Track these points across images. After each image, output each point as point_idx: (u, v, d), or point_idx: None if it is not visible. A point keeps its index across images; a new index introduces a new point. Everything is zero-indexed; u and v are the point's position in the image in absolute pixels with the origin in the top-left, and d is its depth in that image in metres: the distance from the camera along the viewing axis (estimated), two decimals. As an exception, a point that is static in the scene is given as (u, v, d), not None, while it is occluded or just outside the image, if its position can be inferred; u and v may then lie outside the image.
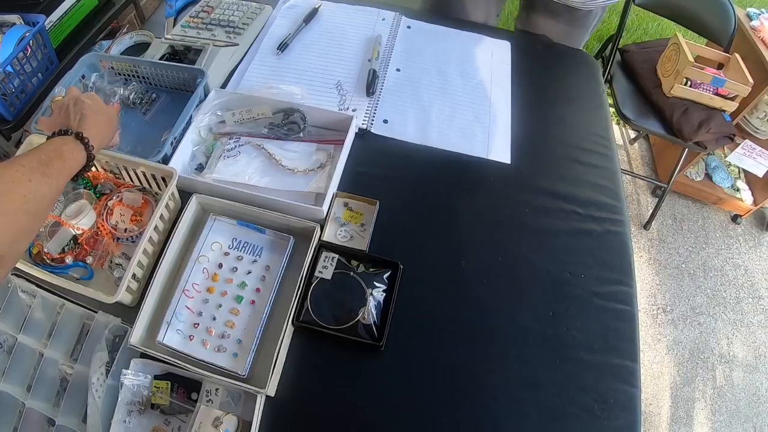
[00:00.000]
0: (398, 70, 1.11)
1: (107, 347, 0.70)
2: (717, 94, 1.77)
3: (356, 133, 0.94)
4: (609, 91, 2.00)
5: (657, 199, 2.18)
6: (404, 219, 0.85)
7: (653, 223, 2.21)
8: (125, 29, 1.26)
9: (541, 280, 0.81)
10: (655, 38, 2.43)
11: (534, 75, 1.16)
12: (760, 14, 2.00)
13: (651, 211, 2.20)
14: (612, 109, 1.98)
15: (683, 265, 2.13)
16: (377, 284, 0.73)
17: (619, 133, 2.61)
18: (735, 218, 2.32)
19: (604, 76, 1.98)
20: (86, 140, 0.69)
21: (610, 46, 2.05)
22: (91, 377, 0.66)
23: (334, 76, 1.06)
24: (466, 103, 1.06)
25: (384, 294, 0.73)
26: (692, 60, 1.72)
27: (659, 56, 1.94)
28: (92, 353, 0.68)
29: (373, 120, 0.99)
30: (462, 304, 0.77)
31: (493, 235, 0.86)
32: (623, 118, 1.87)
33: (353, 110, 0.99)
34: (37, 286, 0.75)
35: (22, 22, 1.13)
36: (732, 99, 1.76)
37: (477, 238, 0.85)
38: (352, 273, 0.74)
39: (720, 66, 1.87)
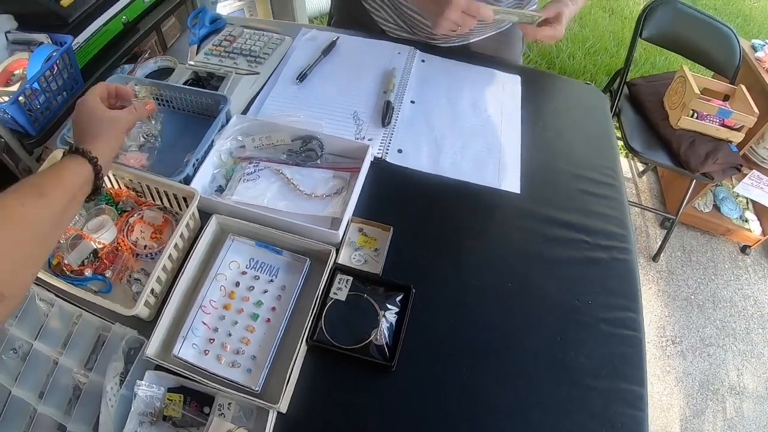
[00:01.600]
0: (413, 102, 1.19)
1: (123, 358, 0.74)
2: (723, 125, 1.86)
3: (371, 161, 1.01)
4: (617, 124, 2.10)
5: (666, 231, 2.26)
6: (417, 245, 0.91)
7: (662, 255, 2.29)
8: (147, 54, 1.34)
9: (550, 306, 0.86)
10: (662, 71, 2.55)
11: (543, 108, 1.25)
12: (764, 45, 2.11)
13: (660, 243, 2.28)
14: (620, 142, 2.07)
15: (692, 297, 2.19)
16: (390, 306, 0.79)
17: (627, 165, 2.71)
18: (744, 249, 2.40)
19: (612, 109, 2.09)
20: (81, 150, 0.69)
21: (618, 80, 2.17)
22: (105, 386, 0.71)
23: (351, 107, 1.14)
24: (477, 134, 1.13)
25: (396, 316, 0.79)
26: (698, 92, 1.82)
27: (666, 89, 2.05)
28: (108, 363, 0.72)
29: (388, 149, 1.06)
30: (471, 328, 0.82)
31: (503, 262, 0.92)
32: (631, 150, 1.97)
33: (369, 140, 1.07)
34: (56, 295, 0.80)
35: (50, 42, 1.21)
36: (738, 130, 1.86)
37: (487, 265, 0.91)
38: (365, 295, 0.80)
39: (726, 97, 1.98)
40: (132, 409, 0.70)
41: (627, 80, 2.16)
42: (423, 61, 1.30)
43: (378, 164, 1.03)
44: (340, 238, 0.86)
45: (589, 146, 1.17)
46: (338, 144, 1.00)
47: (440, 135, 1.12)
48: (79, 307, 0.79)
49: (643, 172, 2.68)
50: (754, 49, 2.13)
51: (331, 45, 1.29)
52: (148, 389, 0.71)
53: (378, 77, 1.23)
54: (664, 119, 1.98)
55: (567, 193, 1.04)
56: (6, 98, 1.12)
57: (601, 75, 3.20)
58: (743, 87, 1.89)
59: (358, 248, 0.88)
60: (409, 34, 1.38)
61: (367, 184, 0.96)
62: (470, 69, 1.30)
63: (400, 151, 1.07)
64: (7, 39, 1.25)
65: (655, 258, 2.29)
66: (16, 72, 1.21)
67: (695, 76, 1.89)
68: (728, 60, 1.97)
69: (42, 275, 0.77)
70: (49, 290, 0.80)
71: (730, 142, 1.89)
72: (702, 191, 2.27)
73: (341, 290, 0.80)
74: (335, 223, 0.90)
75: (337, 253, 0.84)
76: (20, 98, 1.08)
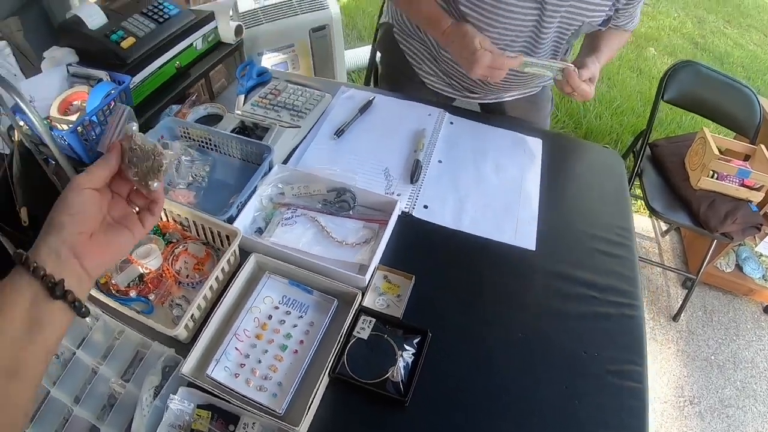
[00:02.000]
0: (440, 161, 1.33)
1: (159, 373, 0.85)
2: (743, 185, 1.96)
3: (399, 215, 1.15)
4: (639, 184, 2.20)
5: (687, 290, 2.33)
6: (436, 294, 1.03)
7: (683, 315, 2.35)
8: (194, 96, 1.52)
9: (559, 358, 0.95)
10: (687, 131, 2.65)
11: (562, 170, 1.38)
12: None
13: (681, 303, 2.35)
14: (641, 202, 2.15)
15: (712, 357, 2.24)
16: (407, 347, 0.90)
17: (650, 225, 2.81)
18: (767, 309, 2.45)
19: (634, 170, 2.20)
20: (19, 257, 0.51)
21: (640, 141, 2.27)
22: (141, 396, 0.81)
23: (383, 163, 1.30)
24: (498, 194, 1.26)
25: (413, 357, 0.90)
26: (717, 153, 1.92)
27: (688, 150, 2.15)
28: (144, 376, 0.84)
29: (414, 205, 1.20)
30: (482, 374, 0.92)
31: (516, 313, 1.02)
32: (652, 211, 2.06)
33: (398, 195, 1.20)
34: (102, 310, 0.92)
35: (109, 79, 1.39)
36: (758, 189, 1.95)
37: (501, 316, 1.01)
38: (386, 336, 0.91)
39: (747, 157, 2.07)
40: (163, 420, 0.80)
41: (650, 141, 2.28)
42: (451, 123, 1.46)
43: (405, 218, 1.16)
44: (367, 283, 0.99)
45: (605, 207, 1.29)
46: (369, 197, 1.14)
47: (464, 194, 1.25)
48: (122, 324, 0.91)
49: (666, 232, 2.78)
50: (774, 108, 2.24)
51: (368, 104, 1.45)
52: (180, 403, 0.82)
53: (409, 137, 1.38)
54: (685, 180, 2.09)
55: (580, 251, 1.15)
56: (65, 126, 1.28)
57: (627, 135, 3.36)
58: (763, 147, 1.99)
59: (382, 293, 1.01)
60: (448, 86, 1.56)
61: (393, 235, 1.09)
62: (495, 131, 1.46)
63: (426, 206, 1.20)
64: (68, 71, 1.43)
65: (675, 318, 2.35)
66: (75, 103, 1.39)
67: (715, 137, 2.01)
68: (748, 120, 2.09)
69: (91, 291, 0.89)
70: (95, 305, 0.92)
71: (750, 201, 1.98)
72: (724, 251, 2.33)
73: (364, 330, 0.92)
74: (363, 269, 1.02)
75: (362, 296, 0.97)
76: (78, 128, 1.25)
